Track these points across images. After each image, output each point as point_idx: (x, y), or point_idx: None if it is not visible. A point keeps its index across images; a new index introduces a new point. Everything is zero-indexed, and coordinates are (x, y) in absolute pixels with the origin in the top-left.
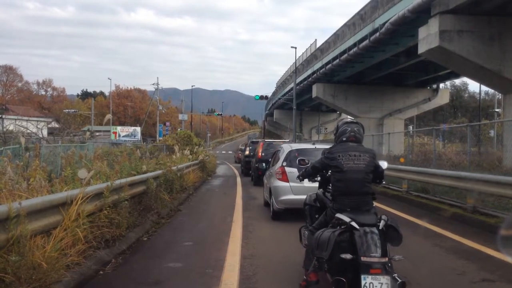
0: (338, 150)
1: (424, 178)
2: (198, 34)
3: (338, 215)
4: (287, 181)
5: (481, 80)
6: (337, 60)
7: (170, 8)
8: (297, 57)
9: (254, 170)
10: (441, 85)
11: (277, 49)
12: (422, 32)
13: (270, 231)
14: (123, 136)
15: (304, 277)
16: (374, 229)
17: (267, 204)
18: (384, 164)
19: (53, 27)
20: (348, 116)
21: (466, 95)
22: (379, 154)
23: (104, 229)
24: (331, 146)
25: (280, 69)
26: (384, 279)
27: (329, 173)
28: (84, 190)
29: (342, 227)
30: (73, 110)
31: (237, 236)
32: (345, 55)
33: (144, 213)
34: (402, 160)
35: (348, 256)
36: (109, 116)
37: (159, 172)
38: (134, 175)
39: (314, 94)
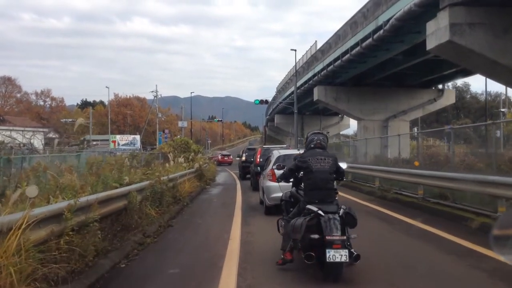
0: (308, 155)
1: (444, 183)
2: (194, 42)
3: (308, 206)
4: (275, 181)
5: (494, 77)
6: (339, 61)
7: (165, 17)
8: (297, 60)
9: (253, 175)
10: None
11: (274, 55)
12: (431, 26)
13: (273, 253)
14: (122, 145)
15: (282, 256)
16: (336, 216)
17: (262, 202)
18: (343, 165)
19: (50, 37)
20: (351, 119)
21: (468, 96)
22: (384, 158)
23: (62, 263)
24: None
25: (278, 75)
26: (343, 252)
27: (301, 174)
28: (30, 213)
29: (311, 215)
30: (71, 120)
31: (233, 260)
32: (347, 55)
33: (124, 233)
34: (416, 163)
35: (316, 236)
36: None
37: (145, 183)
38: (116, 187)
39: (315, 97)
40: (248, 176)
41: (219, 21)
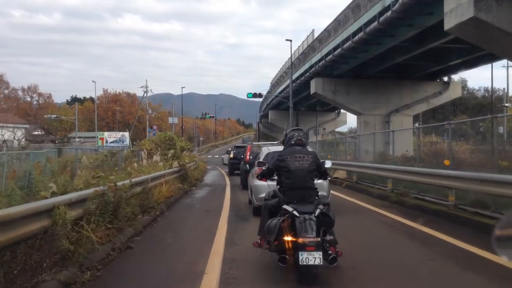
0: (287, 153)
1: (493, 188)
2: (187, 39)
3: (284, 206)
4: (265, 180)
5: None
6: (339, 50)
7: (157, 13)
8: (292, 51)
9: (243, 173)
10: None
11: (267, 52)
12: (449, 3)
13: None
14: (110, 142)
15: (258, 241)
16: (312, 216)
17: (251, 202)
18: (328, 163)
19: (42, 34)
20: (352, 114)
21: (465, 92)
22: (386, 155)
23: None
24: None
25: (272, 72)
26: (317, 254)
27: None
28: None
29: (287, 215)
30: (54, 116)
31: None
32: (349, 42)
33: (32, 273)
34: (447, 162)
35: (289, 238)
36: None
37: (86, 192)
38: (46, 197)
39: (312, 90)
40: (237, 171)
41: (211, 18)
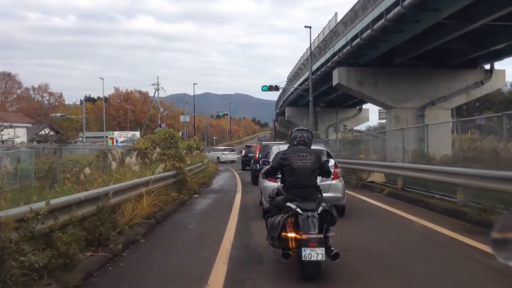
0: (290, 152)
1: None
2: (200, 39)
3: (288, 204)
4: (275, 181)
5: None
6: (369, 31)
7: (169, 14)
8: (312, 40)
9: (252, 172)
10: None
11: (279, 52)
12: None
13: None
14: (121, 142)
15: (270, 241)
16: (315, 214)
17: (261, 203)
18: (331, 162)
19: (57, 36)
20: (380, 107)
21: None
22: (422, 155)
23: None
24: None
25: (284, 71)
26: (320, 250)
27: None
28: None
29: (290, 212)
30: (60, 114)
31: None
32: (381, 21)
33: None
34: None
35: (292, 234)
36: None
37: None
38: None
39: (335, 82)
40: (248, 168)
41: (223, 18)
